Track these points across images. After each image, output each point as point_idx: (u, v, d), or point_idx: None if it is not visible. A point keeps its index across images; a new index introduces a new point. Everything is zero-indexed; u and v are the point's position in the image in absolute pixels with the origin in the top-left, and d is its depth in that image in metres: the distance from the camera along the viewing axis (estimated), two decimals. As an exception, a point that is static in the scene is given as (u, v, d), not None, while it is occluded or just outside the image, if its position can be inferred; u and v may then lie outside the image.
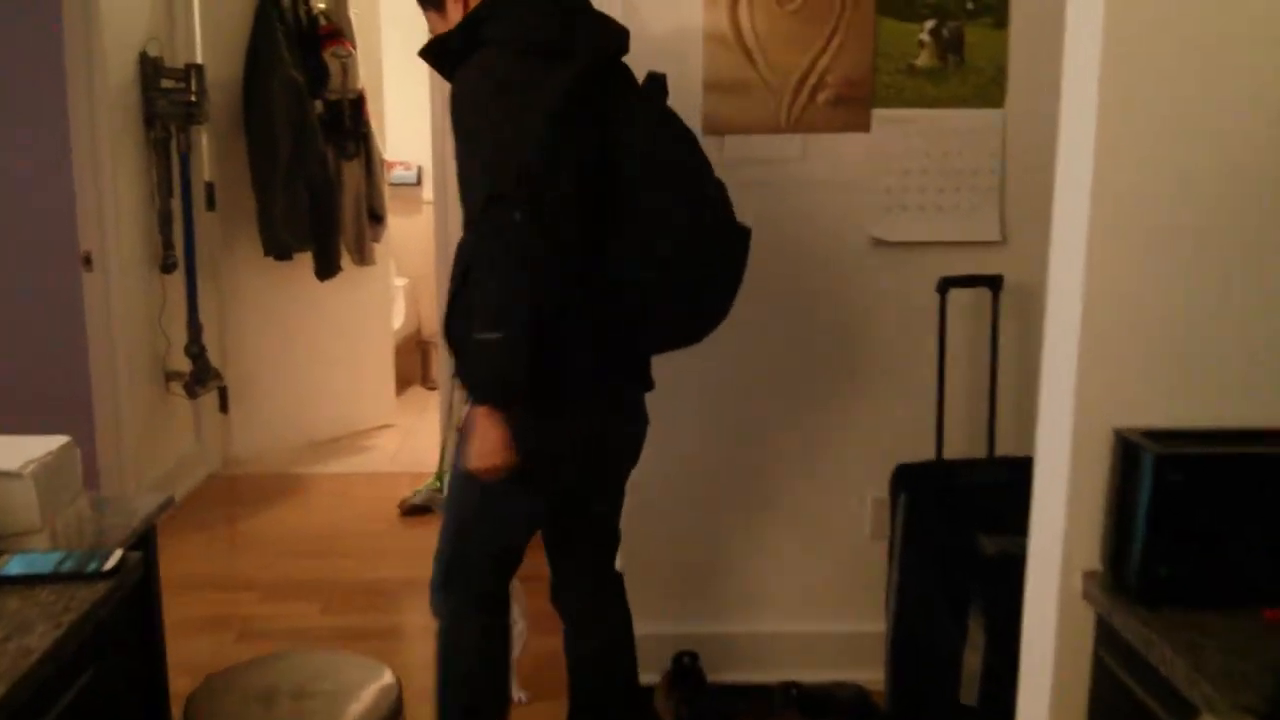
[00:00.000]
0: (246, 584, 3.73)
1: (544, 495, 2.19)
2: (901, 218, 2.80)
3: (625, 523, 2.97)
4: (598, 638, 2.45)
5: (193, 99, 4.27)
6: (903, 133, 2.75)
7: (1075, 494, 1.40)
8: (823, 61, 2.72)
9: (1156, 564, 1.29)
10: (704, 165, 2.18)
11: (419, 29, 2.28)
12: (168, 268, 4.35)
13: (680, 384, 2.85)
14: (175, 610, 3.53)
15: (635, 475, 2.92)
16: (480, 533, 2.22)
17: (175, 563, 3.90)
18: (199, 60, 4.47)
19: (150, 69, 4.16)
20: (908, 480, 2.71)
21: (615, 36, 2.16)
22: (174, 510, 4.41)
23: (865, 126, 2.76)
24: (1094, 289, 1.39)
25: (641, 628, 2.96)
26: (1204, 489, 1.31)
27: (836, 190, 2.81)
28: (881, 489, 2.81)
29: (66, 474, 1.52)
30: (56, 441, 1.52)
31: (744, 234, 2.19)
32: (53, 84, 3.84)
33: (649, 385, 2.31)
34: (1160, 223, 1.38)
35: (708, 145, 2.73)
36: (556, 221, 1.93)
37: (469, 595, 2.26)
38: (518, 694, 2.86)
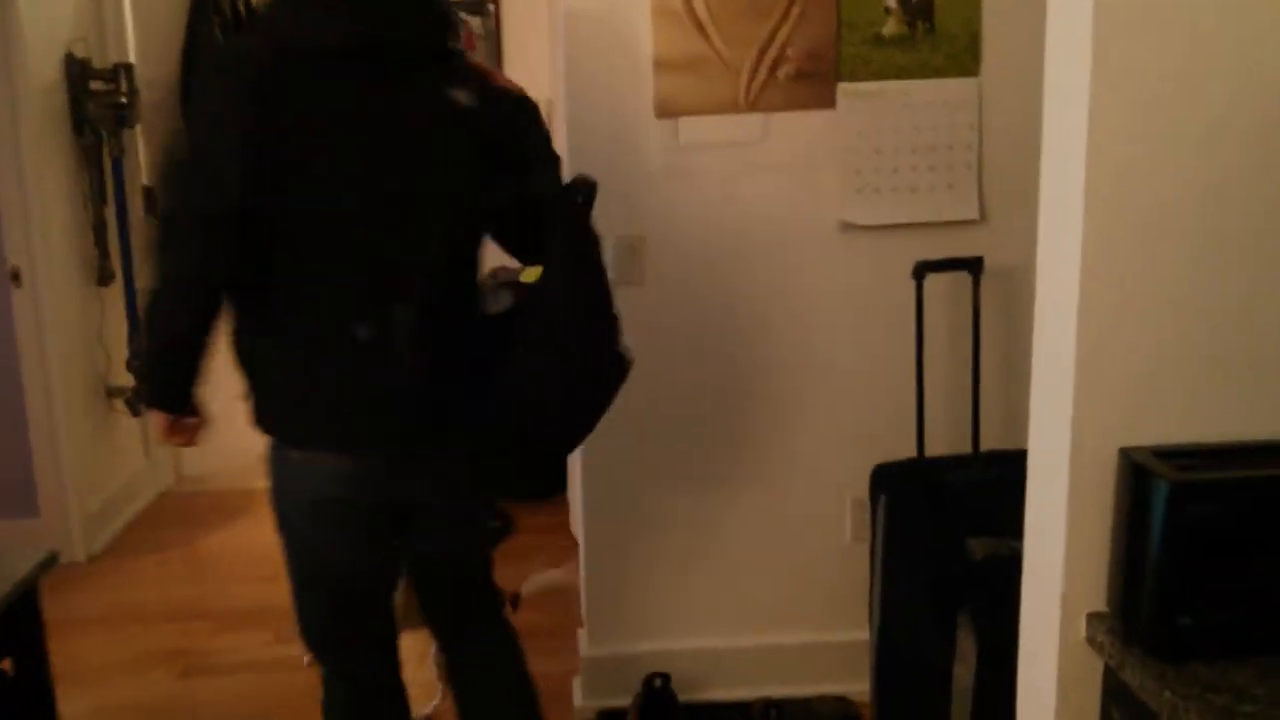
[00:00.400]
0: (199, 612, 3.51)
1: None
2: (873, 199, 2.60)
3: (585, 535, 2.79)
4: (482, 693, 2.20)
5: (124, 100, 4.03)
6: (871, 108, 2.55)
7: (1075, 525, 1.20)
8: (782, 32, 2.51)
9: (1175, 611, 1.08)
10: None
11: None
12: (104, 279, 4.12)
13: (639, 384, 2.66)
14: (121, 645, 3.38)
15: (595, 484, 2.75)
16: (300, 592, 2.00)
17: (124, 589, 3.71)
18: (130, 59, 4.22)
19: (77, 70, 3.92)
20: (887, 480, 2.53)
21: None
22: (125, 531, 4.23)
23: (830, 103, 2.56)
24: (1092, 277, 1.18)
25: (607, 649, 2.80)
26: (1231, 519, 1.10)
27: (801, 172, 2.62)
28: (861, 489, 2.62)
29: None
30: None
31: None
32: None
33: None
34: (1168, 194, 1.18)
35: (660, 130, 2.56)
36: None
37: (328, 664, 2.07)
38: None
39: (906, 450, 2.56)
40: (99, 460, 4.12)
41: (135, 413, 4.26)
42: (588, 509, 2.79)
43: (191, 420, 1.88)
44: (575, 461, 2.84)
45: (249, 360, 1.84)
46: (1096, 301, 1.19)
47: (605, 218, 2.59)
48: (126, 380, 4.23)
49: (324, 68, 1.71)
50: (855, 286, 2.66)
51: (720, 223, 2.64)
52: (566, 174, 2.67)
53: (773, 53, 2.52)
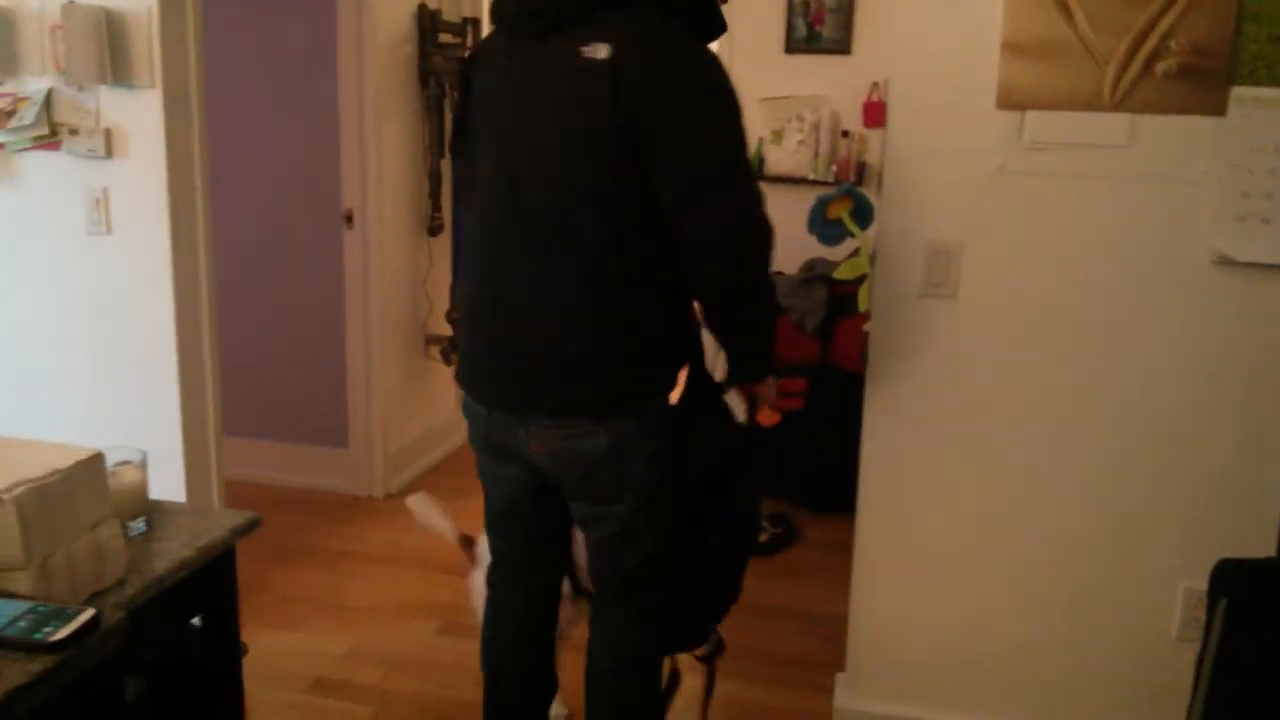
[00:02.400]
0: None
1: None
2: (1260, 231, 2.10)
3: (857, 566, 2.49)
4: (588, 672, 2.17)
5: (469, 53, 4.09)
6: (1272, 120, 2.05)
7: None
8: (1165, 21, 2.06)
9: None
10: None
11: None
12: (434, 230, 4.23)
13: (938, 409, 2.33)
14: (392, 588, 3.45)
15: (875, 511, 2.44)
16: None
17: (410, 531, 3.80)
18: (481, 15, 4.29)
19: (428, 22, 4.01)
20: (1232, 580, 2.03)
21: None
22: (424, 475, 4.37)
23: (1219, 109, 2.08)
24: None
25: (866, 704, 2.50)
26: None
27: (1172, 189, 2.16)
28: (1199, 579, 2.15)
29: (81, 495, 1.25)
30: (74, 455, 1.25)
31: None
32: (324, 38, 3.77)
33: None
34: None
35: (1004, 121, 2.19)
36: None
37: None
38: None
39: (1265, 547, 2.07)
40: (409, 403, 4.26)
41: (448, 361, 4.37)
42: (863, 536, 2.49)
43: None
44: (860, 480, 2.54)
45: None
46: None
47: (921, 216, 2.28)
48: (444, 330, 4.35)
49: (490, 39, 1.88)
50: (1228, 335, 2.18)
51: (1060, 237, 2.23)
52: (888, 165, 2.38)
53: (1150, 43, 2.08)
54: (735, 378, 2.04)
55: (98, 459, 1.28)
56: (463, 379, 1.97)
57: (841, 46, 4.01)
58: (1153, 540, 2.30)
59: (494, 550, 2.16)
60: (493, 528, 2.14)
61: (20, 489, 1.16)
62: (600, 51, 1.65)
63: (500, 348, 1.84)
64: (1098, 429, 2.28)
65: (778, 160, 4.10)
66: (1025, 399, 2.30)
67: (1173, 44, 2.07)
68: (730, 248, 1.75)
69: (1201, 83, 2.08)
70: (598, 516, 1.96)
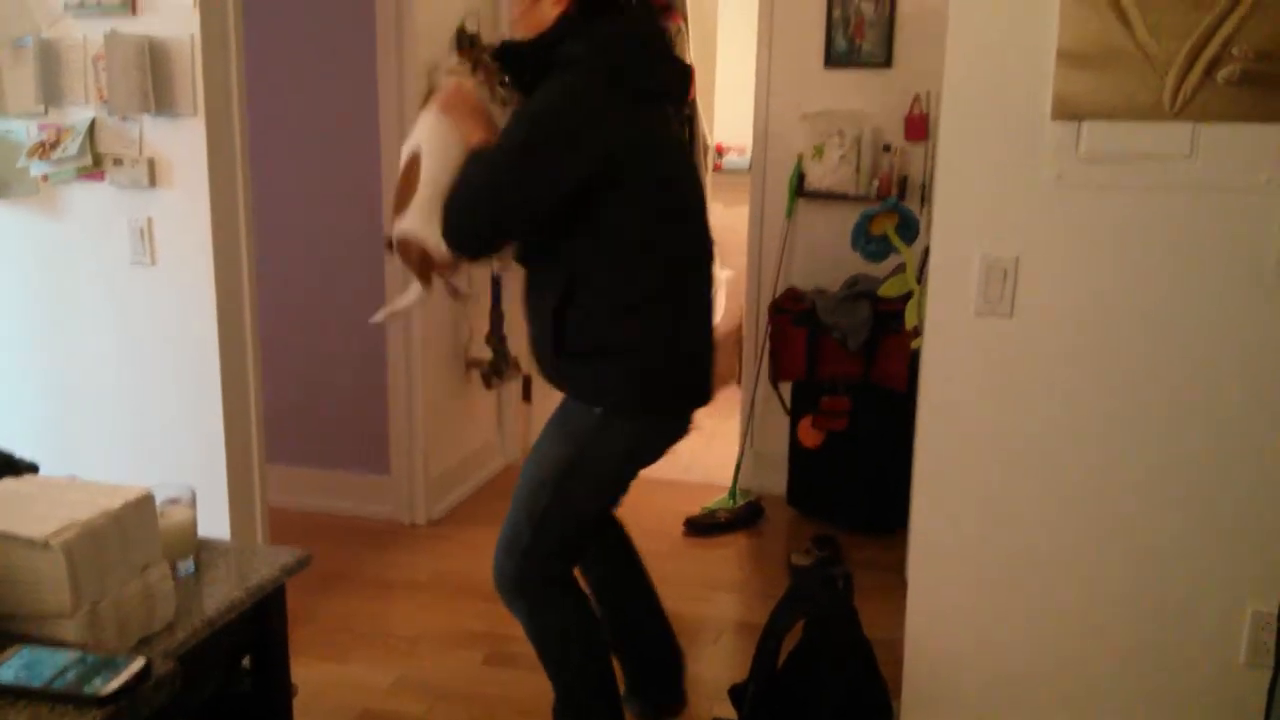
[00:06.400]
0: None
1: None
2: (1332, 241, 2.02)
3: (912, 588, 2.43)
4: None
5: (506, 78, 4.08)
6: (1344, 125, 1.97)
7: None
8: (1226, 27, 2.00)
9: None
10: None
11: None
12: (474, 253, 4.21)
13: (995, 433, 2.26)
14: (437, 617, 3.41)
15: (932, 530, 2.38)
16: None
17: (453, 558, 3.77)
18: (518, 36, 4.28)
19: (466, 44, 4.00)
20: (1310, 604, 1.97)
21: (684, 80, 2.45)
22: (466, 500, 4.34)
23: (1286, 115, 2.01)
24: None
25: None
26: None
27: (1238, 199, 2.09)
28: (1268, 602, 2.08)
29: (131, 538, 1.22)
30: (123, 496, 1.22)
31: None
32: (364, 63, 3.78)
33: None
34: None
35: (1059, 131, 2.13)
36: None
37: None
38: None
39: (1341, 568, 1.99)
40: (450, 428, 4.23)
41: (489, 385, 4.35)
42: (916, 559, 2.42)
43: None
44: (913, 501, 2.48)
45: None
46: None
47: (975, 231, 2.22)
48: (485, 353, 4.33)
49: (615, 96, 2.17)
50: (1297, 352, 2.10)
51: (1121, 252, 2.16)
52: (939, 178, 2.32)
53: (1211, 49, 2.01)
54: None
55: (147, 500, 1.25)
56: (687, 389, 2.32)
57: (882, 60, 3.96)
58: (1220, 561, 2.21)
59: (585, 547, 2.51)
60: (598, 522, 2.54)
61: (69, 533, 1.13)
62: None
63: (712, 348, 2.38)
64: (1162, 445, 2.20)
65: (819, 176, 4.05)
66: (1086, 416, 2.23)
67: (1234, 50, 2.00)
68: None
69: (1265, 89, 2.01)
70: None
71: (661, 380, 2.27)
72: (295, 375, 4.00)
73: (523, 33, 2.20)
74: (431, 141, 2.27)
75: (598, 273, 2.19)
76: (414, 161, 2.27)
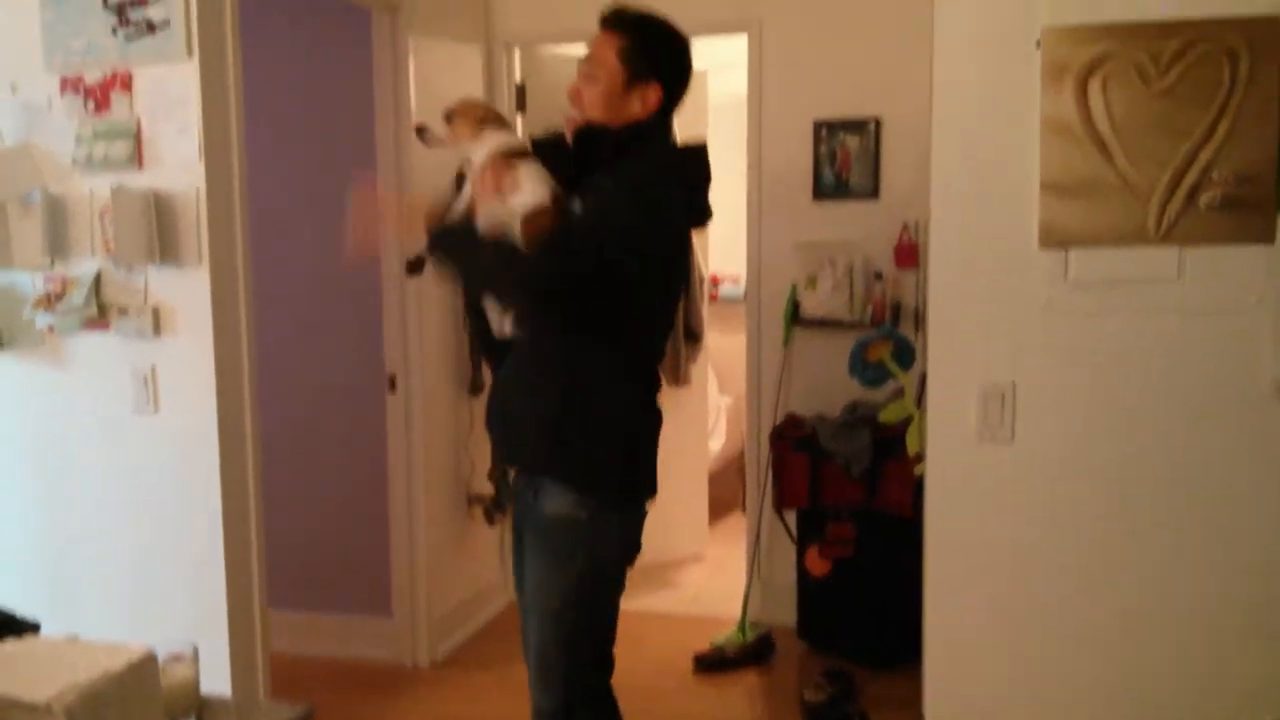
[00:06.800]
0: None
1: None
2: (1324, 359, 2.04)
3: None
4: None
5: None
6: (1325, 245, 2.02)
7: None
8: (1205, 154, 2.06)
9: None
10: None
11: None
12: (475, 389, 4.23)
13: (999, 561, 2.24)
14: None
15: (942, 662, 2.34)
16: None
17: (458, 702, 3.69)
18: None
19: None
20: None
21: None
22: (470, 640, 4.26)
23: (1268, 236, 2.07)
24: None
25: None
26: None
27: (1228, 320, 2.13)
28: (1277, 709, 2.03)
29: (133, 700, 1.21)
30: (125, 656, 1.21)
31: None
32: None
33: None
34: None
35: (1048, 259, 2.17)
36: None
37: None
38: None
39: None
40: (453, 566, 4.19)
41: (491, 521, 4.32)
42: (931, 701, 2.37)
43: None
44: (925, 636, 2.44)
45: None
46: None
47: (971, 358, 2.25)
48: (487, 489, 4.31)
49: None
50: (1296, 468, 2.11)
51: (1116, 375, 2.19)
52: (932, 306, 2.34)
53: (1192, 175, 2.07)
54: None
55: (149, 660, 1.24)
56: (653, 476, 2.34)
57: (869, 191, 4.06)
58: (1230, 681, 2.18)
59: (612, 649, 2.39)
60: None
61: (70, 696, 1.12)
62: None
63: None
64: (1165, 570, 2.19)
65: (813, 304, 4.11)
66: (1090, 542, 2.22)
67: (1214, 175, 2.06)
68: None
69: (1247, 212, 2.07)
70: None
71: (644, 467, 2.31)
72: (296, 518, 3.97)
73: (599, 116, 2.21)
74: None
75: (612, 355, 2.22)
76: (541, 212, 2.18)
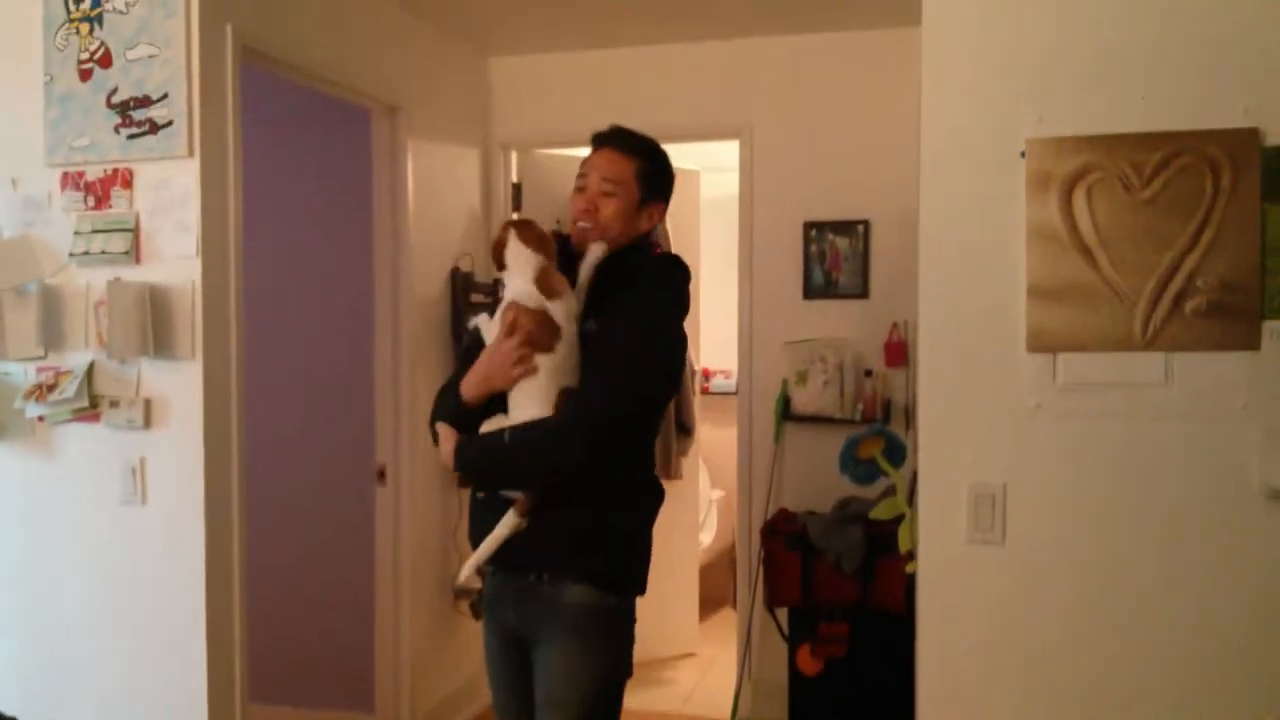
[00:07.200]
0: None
1: None
2: (1312, 465, 2.05)
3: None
4: None
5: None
6: (1309, 352, 2.04)
7: None
8: (1189, 261, 2.10)
9: None
10: None
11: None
12: (464, 481, 4.21)
13: (994, 667, 2.22)
14: None
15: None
16: None
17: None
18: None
19: (460, 283, 4.14)
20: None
21: None
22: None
23: (1253, 343, 2.09)
24: None
25: None
26: None
27: (1214, 425, 2.13)
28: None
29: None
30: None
31: None
32: (362, 303, 3.90)
33: None
34: None
35: (1036, 363, 2.19)
36: None
37: None
38: None
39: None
40: (438, 661, 4.13)
41: (477, 616, 4.27)
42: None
43: None
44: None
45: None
46: None
47: (961, 460, 2.25)
48: (474, 582, 4.26)
49: None
50: (1286, 572, 2.10)
51: (1105, 478, 2.19)
52: (922, 407, 2.35)
53: (1177, 283, 2.10)
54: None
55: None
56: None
57: (859, 291, 4.11)
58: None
59: None
60: None
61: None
62: None
63: None
64: (1156, 672, 2.17)
65: (804, 400, 4.13)
66: (1081, 645, 2.20)
67: (1199, 283, 2.10)
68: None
69: (1232, 319, 2.09)
70: None
71: (648, 551, 2.39)
72: (279, 610, 3.93)
73: (615, 230, 2.29)
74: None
75: (639, 459, 2.35)
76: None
